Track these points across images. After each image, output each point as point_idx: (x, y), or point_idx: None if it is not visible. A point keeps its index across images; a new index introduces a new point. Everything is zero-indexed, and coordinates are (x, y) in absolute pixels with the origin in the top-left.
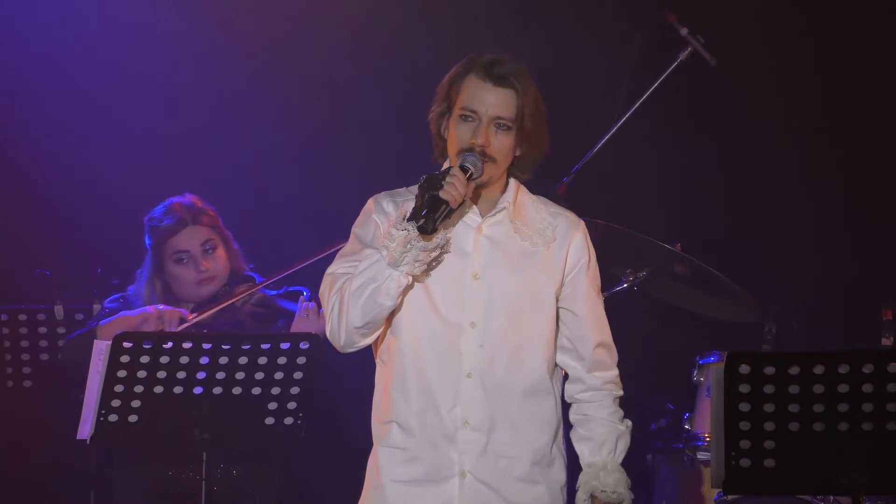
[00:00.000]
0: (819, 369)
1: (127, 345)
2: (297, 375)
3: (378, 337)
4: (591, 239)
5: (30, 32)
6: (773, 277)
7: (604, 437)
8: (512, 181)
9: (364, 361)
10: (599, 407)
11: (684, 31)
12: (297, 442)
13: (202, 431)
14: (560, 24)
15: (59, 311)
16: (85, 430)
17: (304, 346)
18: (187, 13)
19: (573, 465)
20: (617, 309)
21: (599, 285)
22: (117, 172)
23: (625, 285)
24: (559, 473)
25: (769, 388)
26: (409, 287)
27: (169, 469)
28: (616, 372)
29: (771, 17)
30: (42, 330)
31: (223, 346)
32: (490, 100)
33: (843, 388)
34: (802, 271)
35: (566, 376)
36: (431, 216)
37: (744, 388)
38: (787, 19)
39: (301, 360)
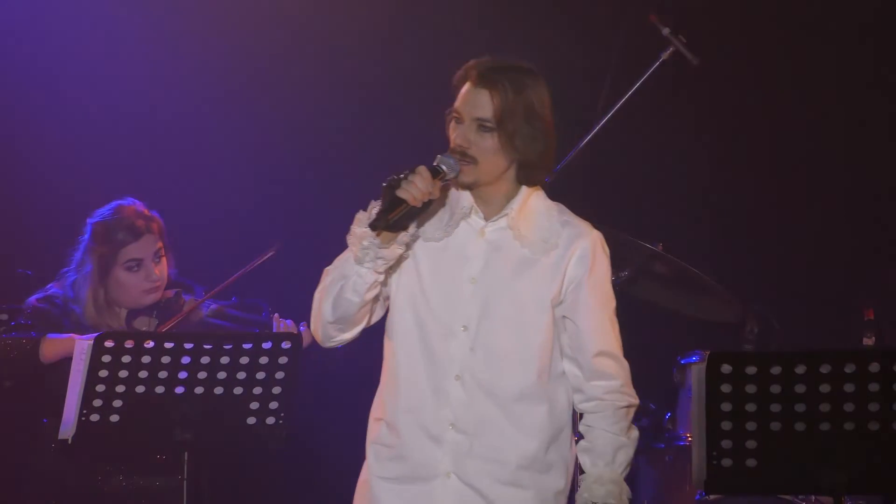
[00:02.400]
0: (801, 369)
1: (108, 344)
2: (279, 375)
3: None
4: None
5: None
6: (755, 277)
7: (602, 448)
8: (524, 188)
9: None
10: (600, 418)
11: (666, 31)
12: (278, 442)
13: (184, 431)
14: (543, 23)
15: None
16: (66, 429)
17: (285, 345)
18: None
19: None
20: None
21: (607, 294)
22: (99, 172)
23: None
24: (555, 481)
25: (751, 388)
26: (380, 282)
27: (140, 475)
28: (620, 381)
29: (752, 16)
30: None
31: (205, 346)
32: (471, 100)
33: (824, 387)
34: (784, 271)
35: None
36: (385, 214)
37: (725, 388)
38: (768, 18)
39: (283, 359)
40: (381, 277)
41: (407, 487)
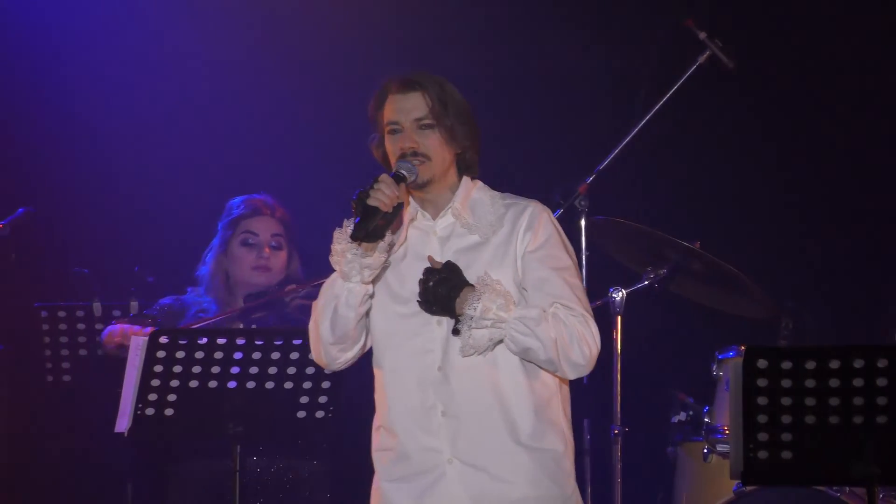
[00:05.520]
0: (834, 364)
1: (163, 340)
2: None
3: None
4: (613, 237)
5: (68, 30)
6: (790, 275)
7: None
8: (464, 179)
9: None
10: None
11: (702, 35)
12: (328, 435)
13: (235, 424)
14: (582, 27)
15: (97, 307)
16: (123, 423)
17: None
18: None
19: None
20: (638, 306)
21: (556, 256)
22: (155, 172)
23: (645, 283)
24: (552, 444)
25: (786, 382)
26: (370, 294)
27: (217, 461)
28: (584, 319)
29: (788, 20)
30: (81, 326)
31: (256, 342)
32: (404, 106)
33: (857, 382)
34: (818, 268)
35: None
36: (362, 224)
37: (761, 382)
38: (803, 22)
39: None
40: (371, 289)
41: (415, 484)
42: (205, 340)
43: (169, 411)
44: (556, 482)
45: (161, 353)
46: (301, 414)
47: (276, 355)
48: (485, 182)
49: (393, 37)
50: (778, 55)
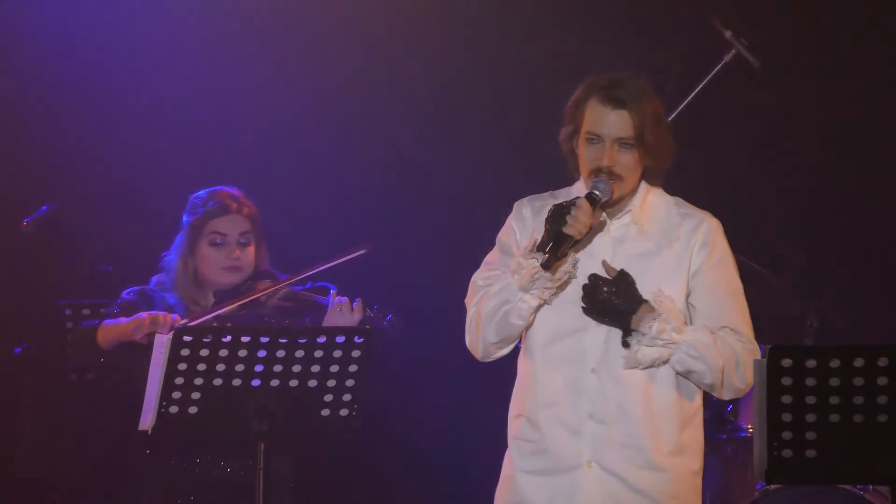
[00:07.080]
0: (859, 362)
1: (187, 338)
2: (352, 368)
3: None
4: None
5: (92, 28)
6: (815, 273)
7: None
8: (643, 184)
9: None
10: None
11: (728, 34)
12: (352, 433)
13: (260, 423)
14: (606, 26)
15: None
16: (146, 421)
17: (358, 339)
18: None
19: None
20: None
21: (727, 276)
22: (178, 170)
23: None
24: (691, 461)
25: (811, 381)
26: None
27: (216, 465)
28: (750, 346)
29: (814, 20)
30: None
31: (280, 340)
32: (609, 120)
33: (882, 380)
34: (843, 266)
35: None
36: (555, 252)
37: (786, 381)
38: (829, 21)
39: (356, 353)
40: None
41: (550, 479)
42: (229, 339)
43: (193, 409)
44: (689, 502)
45: (185, 352)
46: (325, 412)
47: (300, 353)
48: (511, 184)
49: (394, 32)
50: (803, 53)
